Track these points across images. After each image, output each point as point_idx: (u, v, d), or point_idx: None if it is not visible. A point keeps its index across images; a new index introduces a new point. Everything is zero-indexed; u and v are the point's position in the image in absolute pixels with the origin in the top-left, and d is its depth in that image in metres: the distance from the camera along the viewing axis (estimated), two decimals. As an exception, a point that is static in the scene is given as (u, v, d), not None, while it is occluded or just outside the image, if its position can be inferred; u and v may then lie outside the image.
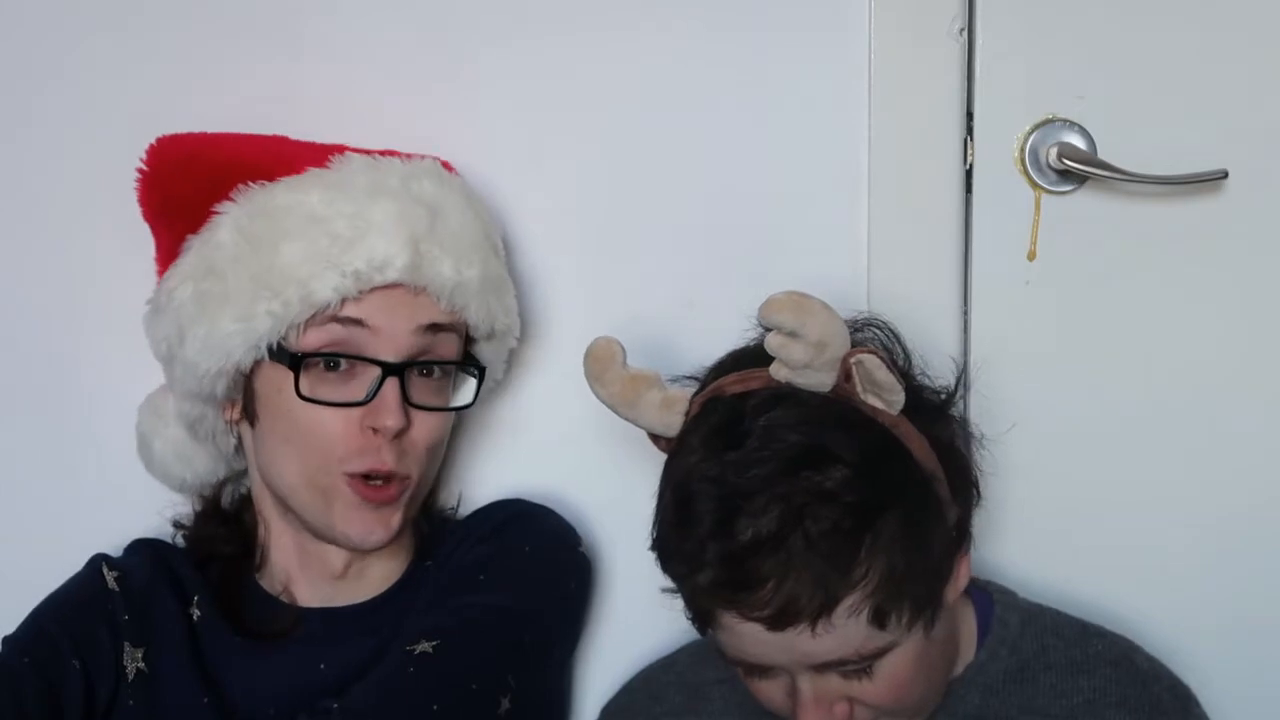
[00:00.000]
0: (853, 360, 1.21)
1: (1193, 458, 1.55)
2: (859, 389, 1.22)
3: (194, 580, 1.44)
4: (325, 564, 1.43)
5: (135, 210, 1.44)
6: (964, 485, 1.29)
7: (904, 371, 1.30)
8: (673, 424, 1.28)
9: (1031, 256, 1.53)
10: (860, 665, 1.21)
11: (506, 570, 1.42)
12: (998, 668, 1.35)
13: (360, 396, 1.35)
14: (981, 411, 1.51)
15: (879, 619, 1.19)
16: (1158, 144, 1.50)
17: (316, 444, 1.36)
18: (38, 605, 1.42)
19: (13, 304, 1.56)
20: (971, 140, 1.52)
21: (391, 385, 1.35)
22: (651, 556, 1.24)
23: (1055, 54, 1.51)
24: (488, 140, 1.53)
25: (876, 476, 1.19)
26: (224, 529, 1.47)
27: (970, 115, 1.52)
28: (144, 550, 1.47)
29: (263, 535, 1.45)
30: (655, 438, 1.31)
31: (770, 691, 1.27)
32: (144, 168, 1.43)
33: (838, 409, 1.22)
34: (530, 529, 1.48)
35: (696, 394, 1.29)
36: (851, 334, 1.26)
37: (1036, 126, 1.51)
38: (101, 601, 1.41)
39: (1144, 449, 1.55)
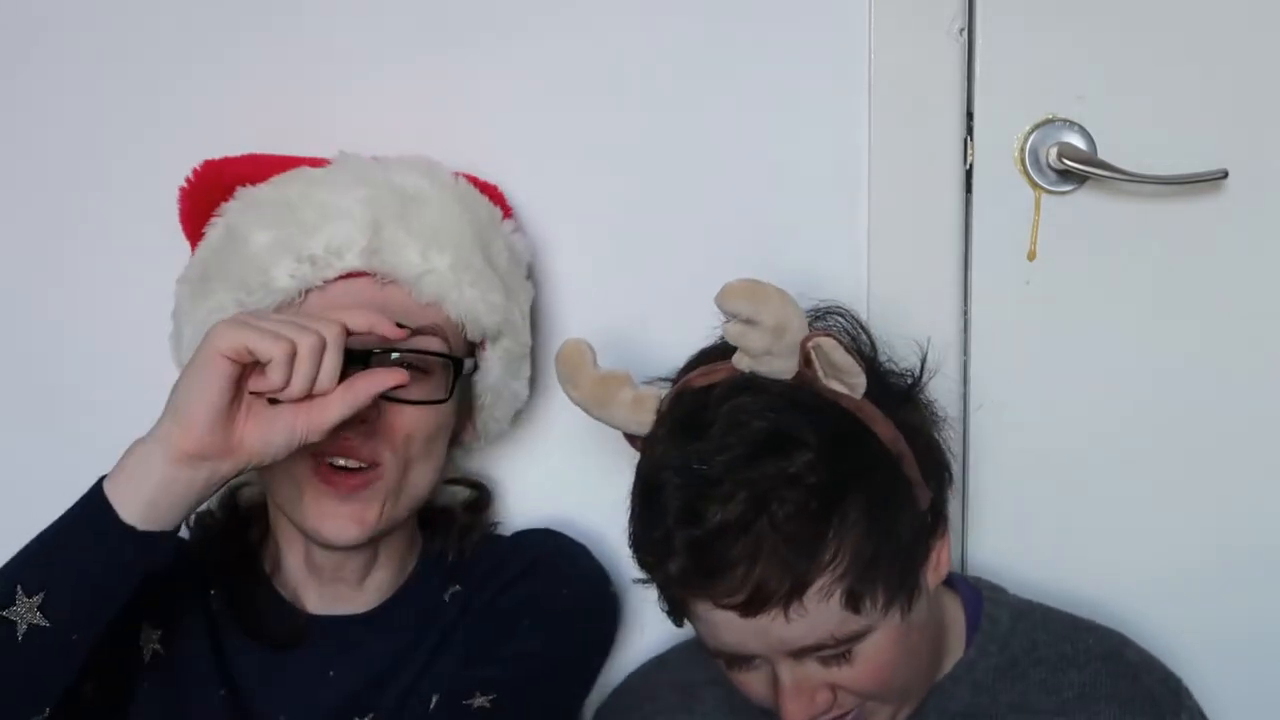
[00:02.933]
0: (810, 345, 1.21)
1: (1192, 457, 1.55)
2: (820, 373, 1.22)
3: (211, 568, 1.42)
4: (334, 570, 1.41)
5: (136, 217, 1.44)
6: (935, 467, 1.29)
7: (868, 357, 1.30)
8: (645, 423, 1.28)
9: (1031, 256, 1.53)
10: (838, 650, 1.21)
11: (551, 617, 1.42)
12: (988, 664, 1.34)
13: None
14: (980, 410, 1.52)
15: (852, 602, 1.19)
16: (1158, 144, 1.50)
17: None
18: None
19: (16, 305, 1.57)
20: (971, 140, 1.52)
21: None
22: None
23: (1055, 54, 1.51)
24: (483, 139, 1.52)
25: (841, 459, 1.19)
26: (234, 532, 1.43)
27: (970, 115, 1.51)
28: None
29: (275, 543, 1.43)
30: (631, 438, 1.31)
31: (753, 683, 1.27)
32: (184, 185, 1.43)
33: (800, 395, 1.22)
34: (566, 571, 1.47)
35: (668, 393, 1.30)
36: (813, 322, 1.27)
37: (1036, 126, 1.51)
38: None
39: (1143, 449, 1.55)
